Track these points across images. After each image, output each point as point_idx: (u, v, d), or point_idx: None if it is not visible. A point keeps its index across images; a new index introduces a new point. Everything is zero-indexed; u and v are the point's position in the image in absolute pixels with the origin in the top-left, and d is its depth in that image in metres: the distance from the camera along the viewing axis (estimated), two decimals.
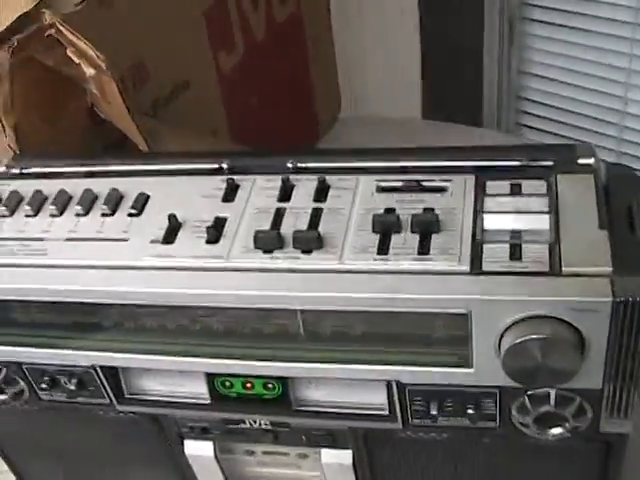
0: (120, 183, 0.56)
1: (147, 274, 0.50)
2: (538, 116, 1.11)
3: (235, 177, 0.55)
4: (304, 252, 0.49)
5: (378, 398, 0.53)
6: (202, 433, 0.59)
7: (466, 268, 0.47)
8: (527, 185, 0.51)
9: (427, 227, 0.49)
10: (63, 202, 0.55)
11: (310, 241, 0.49)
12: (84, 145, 0.67)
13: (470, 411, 0.51)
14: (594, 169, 0.51)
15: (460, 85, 1.08)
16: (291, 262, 0.49)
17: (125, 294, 0.50)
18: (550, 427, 0.51)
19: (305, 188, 0.53)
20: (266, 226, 0.51)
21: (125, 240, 0.52)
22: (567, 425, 0.50)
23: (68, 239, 0.53)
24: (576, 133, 1.11)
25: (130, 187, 0.56)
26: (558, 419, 0.50)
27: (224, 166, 0.56)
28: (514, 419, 0.51)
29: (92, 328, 0.53)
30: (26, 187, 0.57)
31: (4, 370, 0.57)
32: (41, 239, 0.54)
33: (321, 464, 0.59)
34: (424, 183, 0.52)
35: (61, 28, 0.61)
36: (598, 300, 0.44)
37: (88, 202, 0.55)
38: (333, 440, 0.57)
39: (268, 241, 0.50)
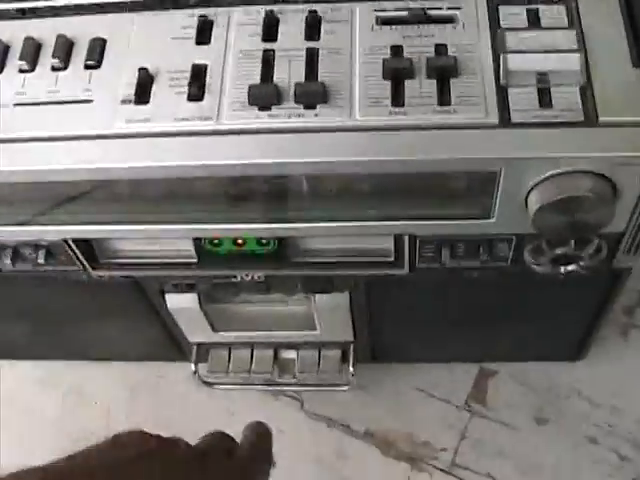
0: (64, 24, 0.47)
1: (124, 144, 0.43)
2: None
3: (206, 11, 0.46)
4: (307, 107, 0.43)
5: (384, 244, 0.50)
6: (187, 289, 0.55)
7: (494, 120, 0.42)
8: (545, 11, 0.45)
9: (445, 72, 0.43)
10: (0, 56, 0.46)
11: (314, 94, 0.43)
12: None
13: (483, 256, 0.49)
14: None
15: None
16: (294, 120, 0.43)
17: (98, 171, 0.43)
18: (563, 265, 0.50)
19: (292, 22, 0.46)
20: (255, 73, 0.44)
21: (89, 101, 0.44)
22: (581, 263, 0.49)
23: (17, 104, 0.45)
24: None
25: (79, 30, 0.46)
26: (574, 258, 0.49)
27: None
28: (527, 259, 0.50)
29: (59, 202, 0.47)
30: None
31: None
32: None
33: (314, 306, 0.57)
34: (430, 11, 0.46)
35: None
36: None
37: (31, 54, 0.45)
38: (331, 286, 0.54)
39: (265, 96, 0.43)
